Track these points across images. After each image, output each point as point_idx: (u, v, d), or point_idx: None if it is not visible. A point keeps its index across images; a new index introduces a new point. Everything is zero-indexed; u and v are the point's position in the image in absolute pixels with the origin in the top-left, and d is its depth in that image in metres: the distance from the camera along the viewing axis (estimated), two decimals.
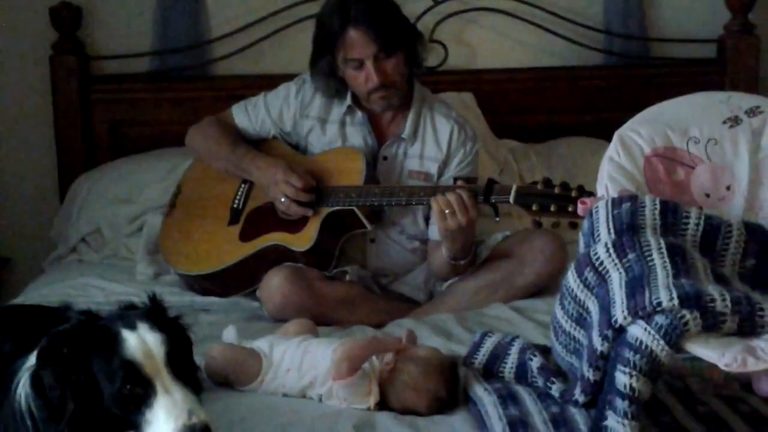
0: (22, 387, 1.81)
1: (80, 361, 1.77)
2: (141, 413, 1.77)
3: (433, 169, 3.17)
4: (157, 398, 1.77)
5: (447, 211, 2.89)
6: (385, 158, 3.20)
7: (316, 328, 2.71)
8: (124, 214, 3.57)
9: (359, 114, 3.19)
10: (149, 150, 3.82)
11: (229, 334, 2.63)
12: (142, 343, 1.79)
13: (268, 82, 3.47)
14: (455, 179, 3.06)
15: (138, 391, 1.77)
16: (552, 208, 2.79)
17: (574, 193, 2.77)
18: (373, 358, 2.43)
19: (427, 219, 3.15)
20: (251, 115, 3.30)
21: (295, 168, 3.11)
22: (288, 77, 3.37)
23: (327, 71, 3.14)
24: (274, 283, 2.96)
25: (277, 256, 3.08)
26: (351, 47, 3.04)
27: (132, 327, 1.81)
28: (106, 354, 1.78)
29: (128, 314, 1.88)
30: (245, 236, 3.17)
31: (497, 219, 2.99)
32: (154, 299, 1.94)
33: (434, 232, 3.09)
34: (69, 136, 3.86)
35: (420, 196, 2.99)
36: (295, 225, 3.10)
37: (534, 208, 2.82)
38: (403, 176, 3.18)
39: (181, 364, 1.83)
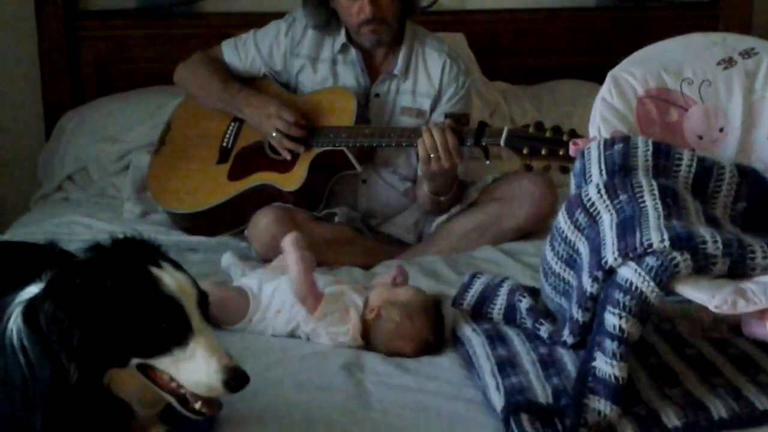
0: (14, 322, 1.78)
1: (97, 292, 1.73)
2: (169, 351, 1.75)
3: (426, 104, 3.15)
4: (195, 337, 1.75)
5: (432, 155, 2.87)
6: (377, 95, 3.17)
7: (314, 260, 2.70)
8: (111, 152, 3.54)
9: (353, 51, 3.16)
10: (137, 88, 3.78)
11: (227, 260, 2.63)
12: (177, 281, 1.78)
13: (258, 19, 3.43)
14: (446, 116, 3.03)
15: (175, 329, 1.75)
16: (543, 152, 2.77)
17: (565, 137, 2.75)
18: (352, 293, 2.43)
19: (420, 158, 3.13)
20: (241, 52, 3.27)
21: (287, 103, 3.07)
22: (278, 14, 3.33)
23: (318, 1, 3.09)
24: (263, 223, 2.94)
25: (265, 196, 3.06)
26: None
27: (157, 265, 1.79)
28: (140, 289, 1.75)
29: (141, 251, 1.84)
30: (234, 175, 3.15)
31: (488, 162, 2.97)
32: (146, 241, 1.91)
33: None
34: (55, 73, 3.82)
35: (410, 137, 2.96)
36: (285, 165, 3.08)
37: (524, 151, 2.80)
38: (395, 113, 3.16)
39: (206, 306, 1.82)
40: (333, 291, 2.44)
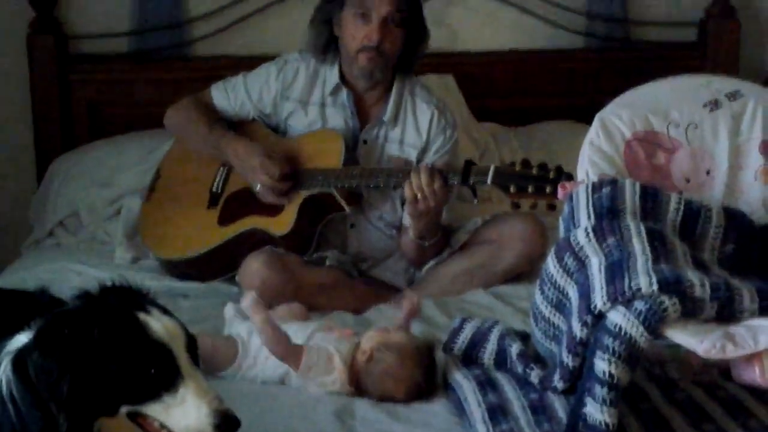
0: (3, 372, 1.77)
1: (84, 341, 1.72)
2: (159, 397, 1.74)
3: (413, 155, 3.16)
4: (185, 381, 1.74)
5: (419, 195, 2.88)
6: (365, 142, 3.18)
7: (306, 313, 2.70)
8: (103, 197, 3.54)
9: (344, 93, 3.17)
10: (128, 131, 3.77)
11: (229, 311, 2.64)
12: (164, 326, 1.77)
13: (248, 62, 3.44)
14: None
15: (164, 374, 1.74)
16: (530, 189, 2.78)
17: (552, 174, 2.76)
18: (335, 340, 2.43)
19: (404, 203, 3.14)
20: (230, 96, 3.28)
21: (272, 154, 3.08)
22: (268, 58, 3.34)
23: (323, 20, 3.13)
24: (254, 268, 2.93)
25: (256, 241, 3.06)
26: None
27: (145, 310, 1.79)
28: (127, 336, 1.74)
29: (129, 298, 1.84)
30: (224, 220, 3.15)
31: (476, 201, 2.98)
32: (134, 287, 1.91)
33: (407, 216, 3.07)
34: (47, 116, 3.81)
35: (399, 178, 2.97)
36: (274, 209, 3.08)
37: (512, 189, 2.81)
38: (382, 161, 3.16)
39: (195, 350, 1.81)
40: (316, 341, 2.43)
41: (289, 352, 2.38)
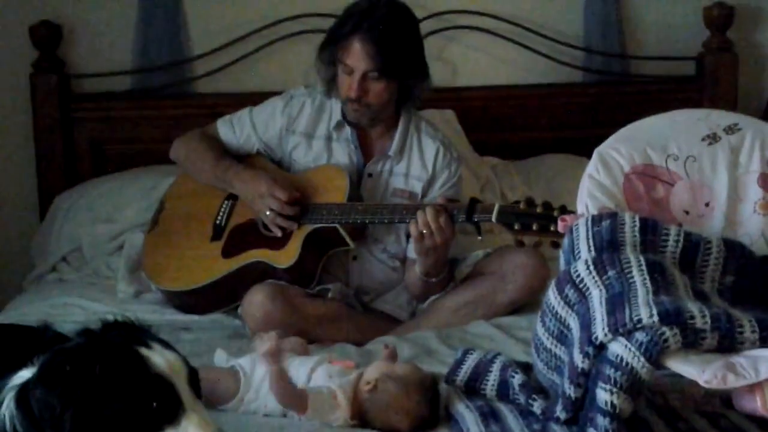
0: (6, 407, 1.78)
1: (87, 377, 1.73)
2: (161, 430, 1.75)
3: (418, 188, 3.18)
4: (187, 414, 1.76)
5: (425, 232, 2.90)
6: (370, 175, 3.20)
7: (307, 347, 2.70)
8: (105, 233, 3.55)
9: (347, 129, 3.19)
10: (130, 168, 3.80)
11: (220, 357, 2.63)
12: (166, 360, 1.79)
13: (250, 99, 3.47)
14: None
15: (166, 408, 1.75)
16: (534, 228, 2.80)
17: (556, 213, 2.77)
18: (336, 376, 2.43)
19: (408, 237, 3.15)
20: (236, 129, 3.30)
21: (279, 180, 3.10)
22: (269, 95, 3.37)
23: (328, 60, 3.15)
24: (257, 301, 2.95)
25: (259, 273, 3.07)
26: (348, 53, 3.04)
27: (146, 345, 1.80)
28: (129, 371, 1.76)
29: (130, 333, 1.85)
30: (228, 252, 3.16)
31: (480, 237, 2.99)
32: (135, 323, 1.93)
33: (412, 251, 3.09)
34: (50, 154, 3.84)
35: (403, 214, 2.99)
36: (278, 242, 3.09)
37: (516, 227, 2.83)
38: (387, 194, 3.18)
39: (197, 384, 1.83)
40: (318, 375, 2.43)
41: (295, 401, 2.38)
